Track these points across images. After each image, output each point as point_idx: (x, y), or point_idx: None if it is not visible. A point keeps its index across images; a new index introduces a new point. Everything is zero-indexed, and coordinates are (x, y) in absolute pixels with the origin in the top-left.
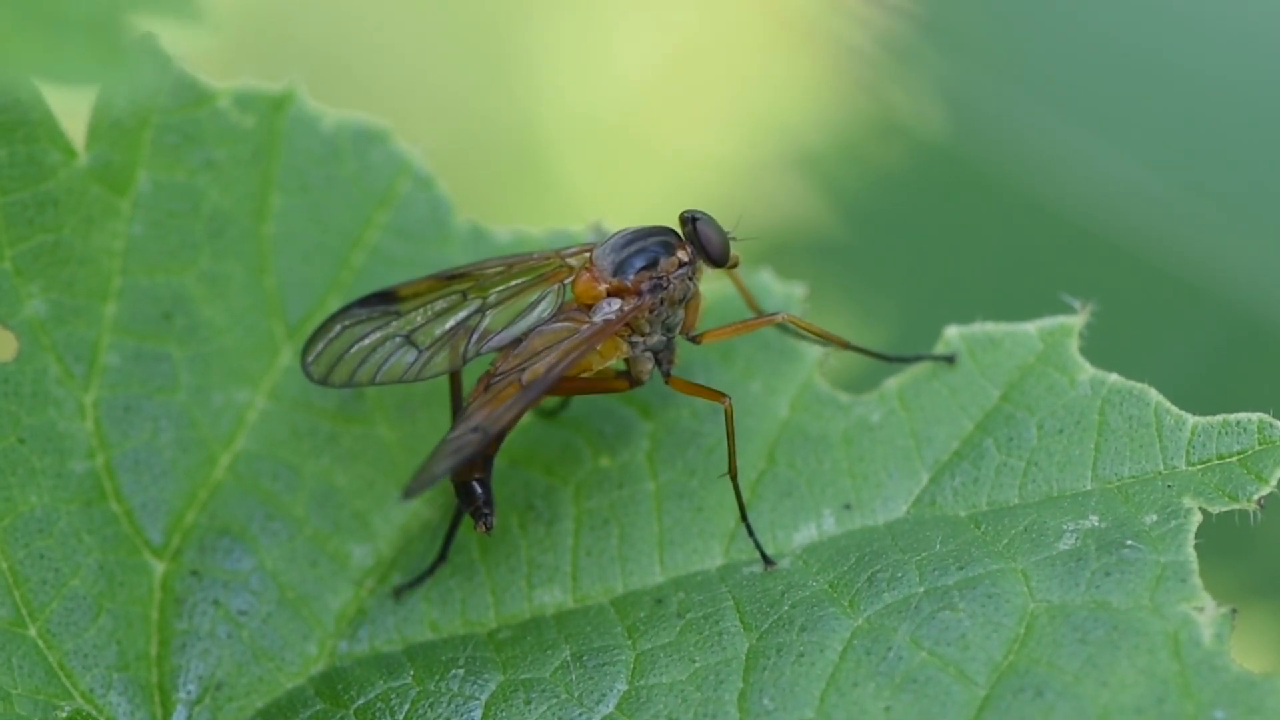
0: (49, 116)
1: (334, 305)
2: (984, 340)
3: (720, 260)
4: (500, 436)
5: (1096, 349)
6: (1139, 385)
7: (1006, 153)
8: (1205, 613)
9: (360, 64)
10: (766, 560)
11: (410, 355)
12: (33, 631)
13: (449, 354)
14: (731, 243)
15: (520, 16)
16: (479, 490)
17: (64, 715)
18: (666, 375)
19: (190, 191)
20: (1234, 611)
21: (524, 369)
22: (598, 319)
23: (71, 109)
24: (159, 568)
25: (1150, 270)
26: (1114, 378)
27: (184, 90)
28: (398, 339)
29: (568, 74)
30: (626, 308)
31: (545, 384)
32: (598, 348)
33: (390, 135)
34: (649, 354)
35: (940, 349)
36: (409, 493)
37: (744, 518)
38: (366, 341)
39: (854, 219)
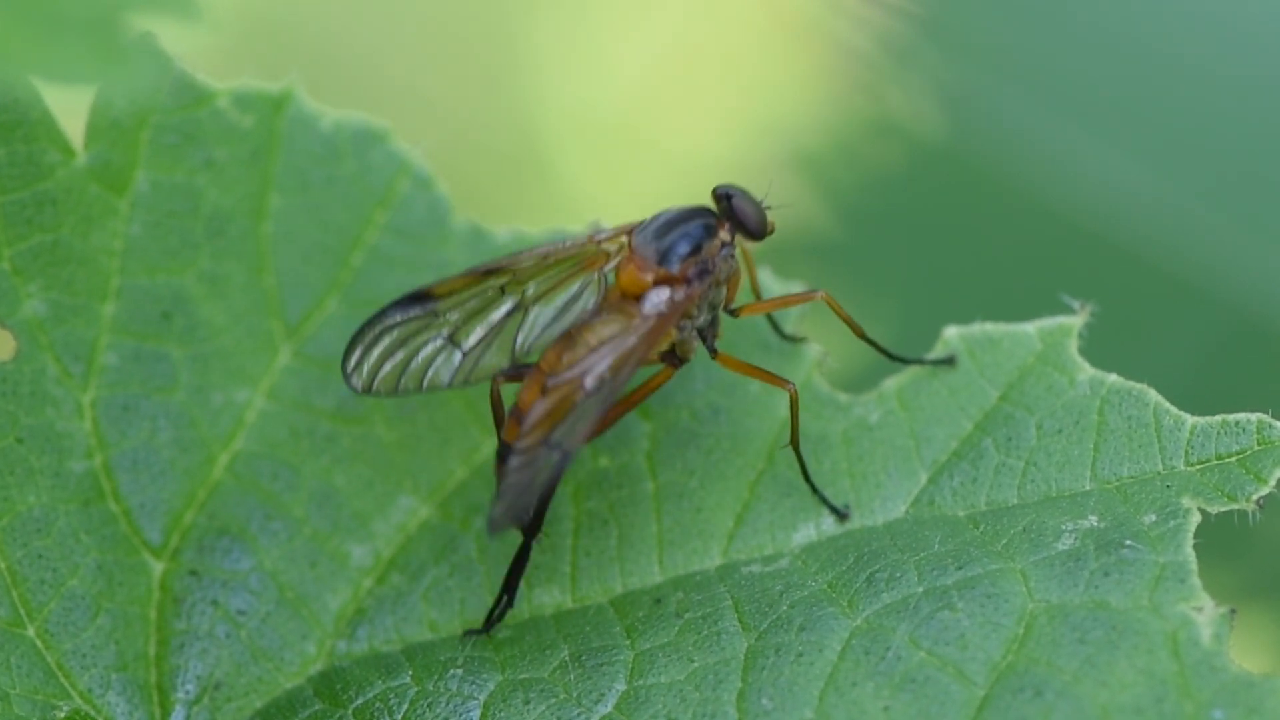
0: (48, 116)
1: (333, 305)
2: (983, 340)
3: (760, 234)
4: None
5: (1096, 349)
6: (1138, 385)
7: (1005, 153)
8: (1204, 613)
9: (359, 64)
10: (840, 514)
11: (455, 357)
12: (31, 631)
13: (496, 353)
14: (767, 212)
15: (519, 16)
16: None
17: (62, 715)
18: (713, 351)
19: (189, 191)
20: (1233, 611)
21: (585, 371)
22: (648, 310)
23: (70, 108)
24: (158, 567)
25: (1150, 270)
26: (1113, 378)
27: (183, 90)
28: (438, 340)
29: (566, 74)
30: (678, 297)
31: (617, 386)
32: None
33: (389, 135)
34: (695, 332)
35: (939, 349)
36: (496, 526)
37: (807, 479)
38: (407, 346)
39: (852, 219)
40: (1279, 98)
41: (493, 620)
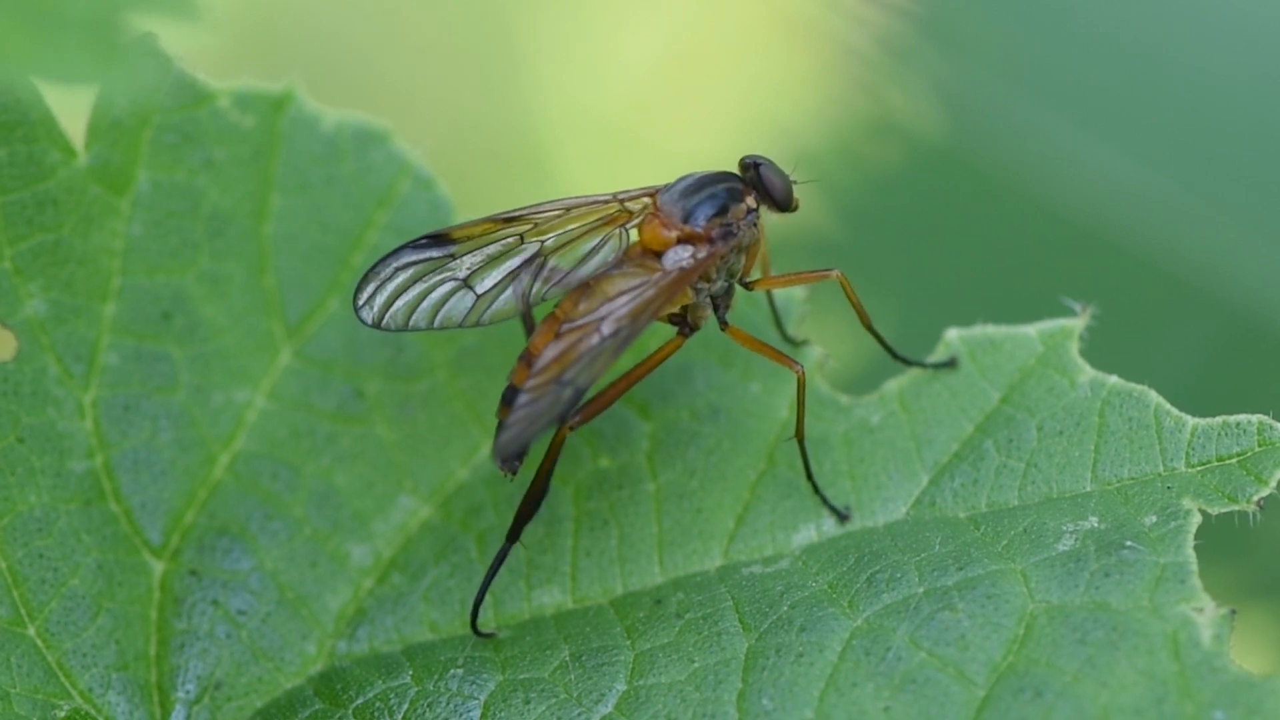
0: (49, 116)
1: (334, 305)
2: (984, 342)
3: (785, 205)
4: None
5: (1096, 350)
6: (1139, 387)
7: (1005, 153)
8: (1205, 614)
9: (360, 63)
10: (840, 515)
11: (468, 299)
12: (31, 631)
13: (512, 299)
14: (793, 186)
15: (519, 16)
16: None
17: (62, 715)
18: (724, 323)
19: (190, 191)
20: (1233, 612)
21: (602, 316)
22: (669, 265)
23: (71, 108)
24: (158, 567)
25: (1150, 271)
26: (1114, 379)
27: (184, 90)
28: (453, 282)
29: (566, 74)
30: (701, 255)
31: (634, 333)
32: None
33: (390, 135)
34: (709, 299)
35: (940, 351)
36: (502, 454)
37: (809, 473)
38: (422, 284)
39: (852, 219)
40: (1278, 97)
41: (474, 621)
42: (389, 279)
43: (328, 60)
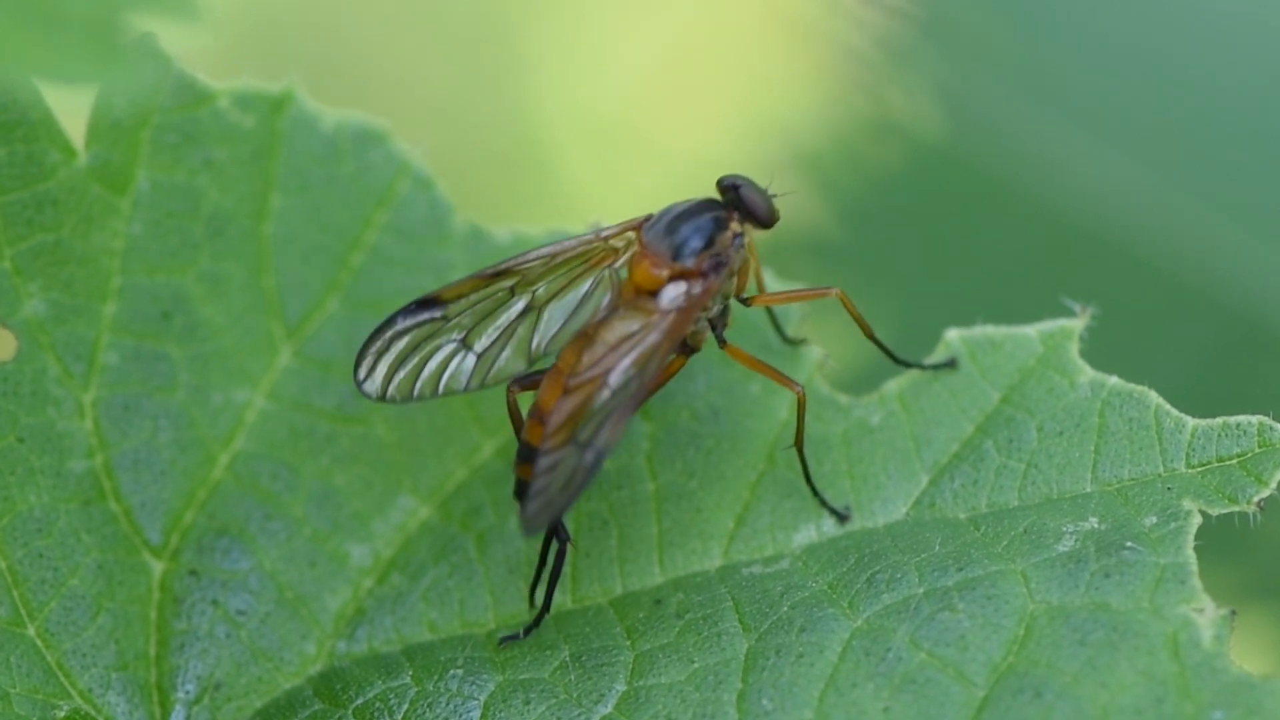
0: (48, 116)
1: (333, 305)
2: (984, 343)
3: (769, 222)
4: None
5: (1096, 351)
6: (1139, 388)
7: (1005, 154)
8: (1205, 614)
9: (359, 64)
10: (840, 516)
11: (470, 360)
12: (31, 631)
13: (512, 355)
14: (774, 200)
15: (519, 16)
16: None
17: (62, 715)
18: (722, 341)
19: (190, 191)
20: (1233, 613)
21: (608, 369)
22: (666, 305)
23: (71, 108)
24: (158, 567)
25: (1150, 272)
26: (1114, 380)
27: (183, 90)
28: (450, 345)
29: (566, 74)
30: (696, 291)
31: (644, 383)
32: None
33: (389, 135)
34: (706, 322)
35: (940, 352)
36: (531, 528)
37: (809, 482)
38: (420, 351)
39: (852, 219)
40: (1278, 97)
41: (529, 629)
42: (385, 350)
43: (328, 60)
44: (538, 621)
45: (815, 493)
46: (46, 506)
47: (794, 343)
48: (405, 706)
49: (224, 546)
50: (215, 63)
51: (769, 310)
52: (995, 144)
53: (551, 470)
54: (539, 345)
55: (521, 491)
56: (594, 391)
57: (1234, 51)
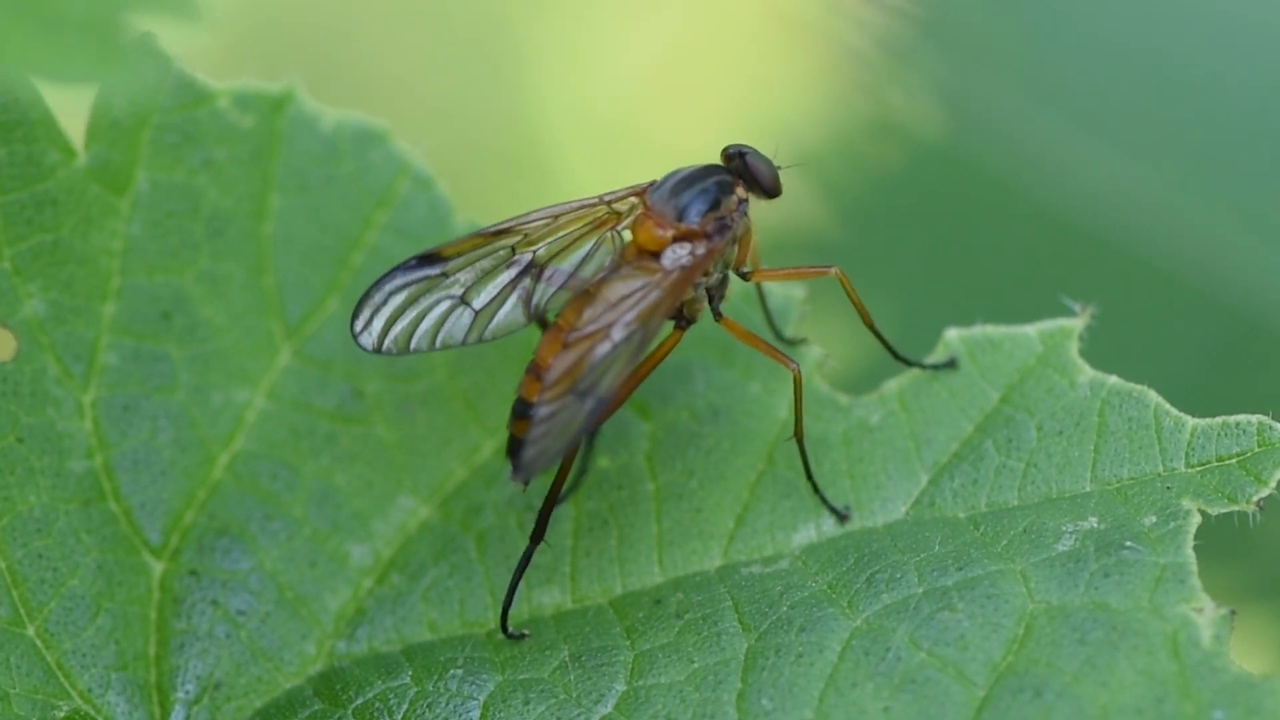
0: (48, 116)
1: (333, 306)
2: (984, 342)
3: (774, 191)
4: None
5: (1096, 350)
6: (1138, 387)
7: (1005, 154)
8: (1204, 614)
9: (359, 64)
10: (840, 515)
11: (467, 316)
12: (31, 631)
13: (511, 312)
14: (779, 172)
15: (519, 15)
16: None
17: (62, 715)
18: (718, 314)
19: (189, 191)
20: (1233, 613)
21: (610, 322)
22: (669, 265)
23: (70, 108)
24: (157, 567)
25: (1150, 272)
26: (1113, 379)
27: (183, 90)
28: (449, 300)
29: (567, 73)
30: (700, 252)
31: (647, 336)
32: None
33: (389, 135)
34: (705, 292)
35: (940, 351)
36: (528, 472)
37: (808, 474)
38: (418, 305)
39: (852, 219)
40: (1278, 97)
41: (505, 623)
42: (383, 303)
43: (327, 60)
44: (504, 608)
45: (815, 489)
46: (46, 507)
47: (793, 342)
48: (405, 706)
49: (224, 546)
50: (215, 63)
51: (763, 304)
52: (995, 144)
53: (550, 419)
54: (539, 303)
55: (514, 449)
56: (594, 345)
57: (1234, 52)
